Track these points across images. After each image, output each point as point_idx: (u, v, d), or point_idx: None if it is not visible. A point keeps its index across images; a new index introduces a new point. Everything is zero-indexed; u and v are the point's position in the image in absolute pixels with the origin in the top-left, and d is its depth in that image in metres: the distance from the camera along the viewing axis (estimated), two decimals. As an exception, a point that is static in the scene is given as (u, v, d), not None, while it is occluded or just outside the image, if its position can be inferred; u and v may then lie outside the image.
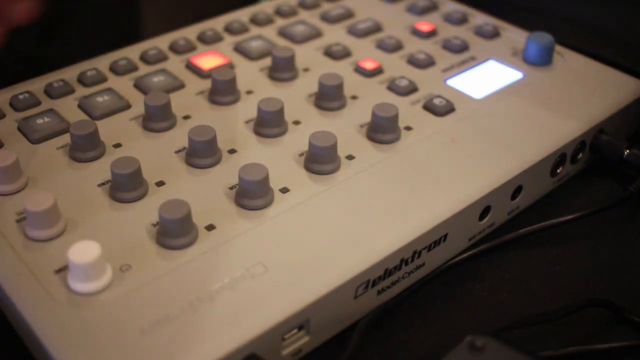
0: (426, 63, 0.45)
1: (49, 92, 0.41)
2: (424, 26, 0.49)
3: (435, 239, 0.34)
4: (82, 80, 0.43)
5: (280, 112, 0.38)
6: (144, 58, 0.45)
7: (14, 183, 0.34)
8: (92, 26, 0.67)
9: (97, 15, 0.68)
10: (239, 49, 0.47)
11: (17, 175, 0.34)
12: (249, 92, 0.42)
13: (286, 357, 0.31)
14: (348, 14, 0.51)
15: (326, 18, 0.51)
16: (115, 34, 0.69)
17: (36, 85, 0.42)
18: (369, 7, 0.53)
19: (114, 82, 0.43)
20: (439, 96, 0.41)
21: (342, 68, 0.45)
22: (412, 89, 0.42)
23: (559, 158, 0.40)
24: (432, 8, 0.52)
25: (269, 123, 0.38)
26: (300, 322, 0.30)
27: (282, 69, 0.43)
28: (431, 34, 0.49)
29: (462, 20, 0.51)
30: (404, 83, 0.43)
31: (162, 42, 0.47)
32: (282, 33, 0.49)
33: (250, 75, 0.44)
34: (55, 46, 0.64)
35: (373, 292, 0.33)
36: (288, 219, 0.33)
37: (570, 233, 0.39)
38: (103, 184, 0.35)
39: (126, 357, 0.27)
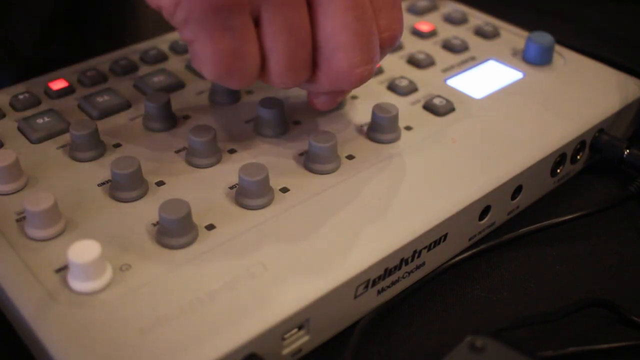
0: (426, 63, 0.45)
1: (49, 92, 0.41)
2: (424, 26, 0.49)
3: (435, 239, 0.34)
4: (82, 80, 0.43)
5: (280, 112, 0.38)
6: (144, 58, 0.45)
7: (14, 183, 0.34)
8: (93, 27, 0.67)
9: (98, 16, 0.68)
10: (239, 49, 0.47)
11: (17, 175, 0.34)
12: (249, 92, 0.42)
13: (286, 357, 0.31)
14: (348, 14, 0.51)
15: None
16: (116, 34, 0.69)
17: (36, 85, 0.42)
18: (369, 7, 0.52)
19: (114, 82, 0.43)
20: (439, 96, 0.41)
21: (342, 68, 0.45)
22: (412, 89, 0.42)
23: (559, 158, 0.40)
24: (432, 8, 0.52)
25: (269, 123, 0.38)
26: (300, 321, 0.30)
27: (282, 69, 0.43)
28: (431, 34, 0.49)
29: (462, 20, 0.51)
30: (404, 83, 0.43)
31: (162, 42, 0.47)
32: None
33: (250, 75, 0.44)
34: (58, 47, 0.64)
35: (373, 292, 0.33)
36: (288, 219, 0.33)
37: (570, 233, 0.39)
38: (103, 183, 0.35)
39: (126, 356, 0.27)
